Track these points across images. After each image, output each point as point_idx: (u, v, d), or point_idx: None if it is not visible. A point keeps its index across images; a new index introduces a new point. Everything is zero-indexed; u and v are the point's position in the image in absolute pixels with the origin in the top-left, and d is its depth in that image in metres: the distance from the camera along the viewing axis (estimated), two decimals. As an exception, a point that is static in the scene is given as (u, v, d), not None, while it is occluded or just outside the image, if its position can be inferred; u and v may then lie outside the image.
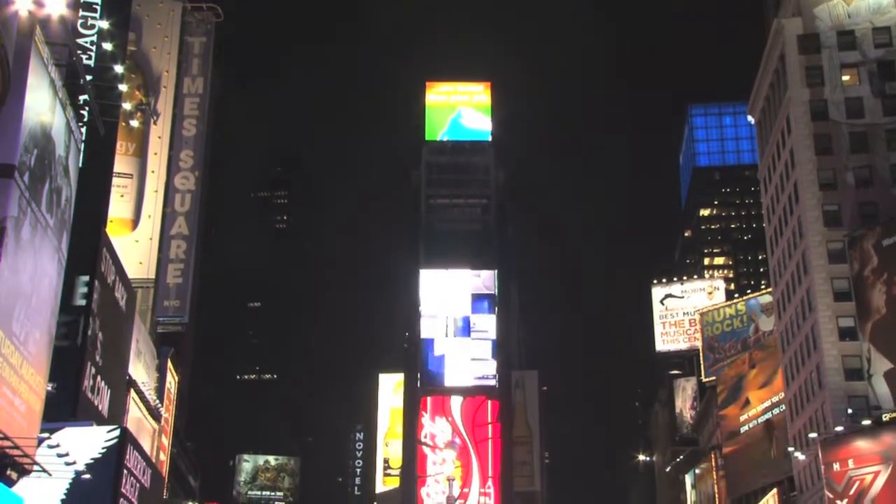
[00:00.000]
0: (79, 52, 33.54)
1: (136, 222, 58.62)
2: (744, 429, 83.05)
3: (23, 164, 25.91)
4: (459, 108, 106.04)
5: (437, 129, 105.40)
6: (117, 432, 35.49)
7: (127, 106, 48.41)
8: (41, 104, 27.52)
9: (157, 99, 61.01)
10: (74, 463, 31.65)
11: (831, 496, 55.59)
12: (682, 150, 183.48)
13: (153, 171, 60.04)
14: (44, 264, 28.80)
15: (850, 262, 60.18)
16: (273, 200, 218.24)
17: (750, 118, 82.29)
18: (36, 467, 28.41)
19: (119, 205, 56.74)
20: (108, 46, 40.52)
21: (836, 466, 55.62)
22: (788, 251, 68.91)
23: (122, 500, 35.80)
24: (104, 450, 33.88)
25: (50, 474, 29.94)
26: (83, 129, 32.49)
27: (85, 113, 32.06)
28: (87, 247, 39.27)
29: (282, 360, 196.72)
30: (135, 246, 57.52)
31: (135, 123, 56.67)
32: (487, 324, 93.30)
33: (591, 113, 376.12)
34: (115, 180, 54.40)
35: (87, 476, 32.08)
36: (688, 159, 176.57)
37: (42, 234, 28.26)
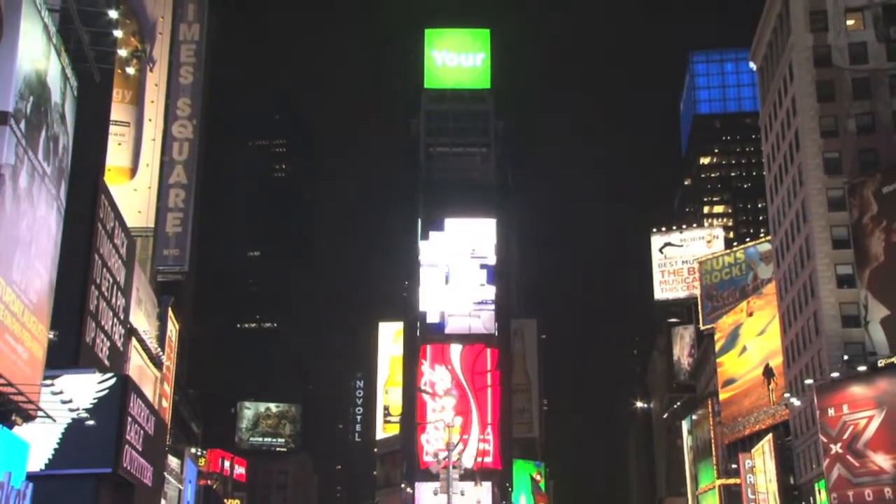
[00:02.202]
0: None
1: (134, 171, 58.39)
2: (741, 375, 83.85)
3: (18, 112, 25.69)
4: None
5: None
6: (112, 381, 35.74)
7: (122, 53, 47.82)
8: (35, 50, 27.19)
9: (153, 46, 60.29)
10: (77, 410, 31.99)
11: (825, 440, 56.35)
12: (683, 97, 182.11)
13: (150, 120, 59.61)
14: (42, 213, 28.74)
15: (849, 209, 60.15)
16: (272, 149, 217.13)
17: (752, 64, 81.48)
18: (40, 413, 28.71)
19: (117, 153, 56.48)
20: (101, -9, 39.89)
21: (831, 411, 56.29)
22: (788, 199, 68.81)
23: (126, 446, 36.28)
24: (95, 400, 34.14)
25: (55, 420, 30.30)
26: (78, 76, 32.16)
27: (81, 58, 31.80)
28: (86, 194, 39.21)
29: (282, 309, 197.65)
30: (133, 195, 57.36)
31: (131, 71, 56.08)
32: (486, 273, 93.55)
33: (591, 61, 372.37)
34: (112, 128, 54.09)
35: (91, 422, 32.44)
36: (688, 106, 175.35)
37: (40, 183, 28.16)
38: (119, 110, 56.48)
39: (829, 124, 63.76)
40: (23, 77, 25.90)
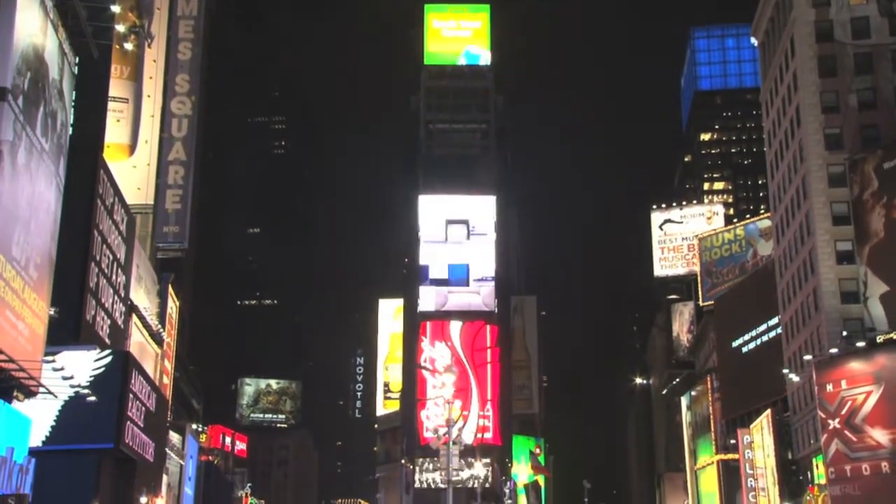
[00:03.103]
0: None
1: (132, 148, 58.23)
2: (741, 350, 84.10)
3: (16, 88, 25.54)
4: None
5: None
6: (111, 357, 35.80)
7: (120, 28, 47.60)
8: (32, 25, 26.99)
9: (151, 21, 59.92)
10: (79, 386, 32.10)
11: (823, 416, 56.58)
12: (684, 73, 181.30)
13: (149, 96, 59.37)
14: (41, 189, 28.66)
15: (849, 185, 60.01)
16: (271, 126, 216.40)
17: (753, 40, 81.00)
18: (41, 389, 28.80)
19: (115, 130, 56.30)
20: (98, -34, 39.51)
21: (830, 387, 56.47)
22: (789, 175, 68.66)
23: (128, 423, 36.45)
24: (94, 376, 34.15)
25: (56, 396, 30.42)
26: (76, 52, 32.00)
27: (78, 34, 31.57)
28: (85, 170, 39.12)
29: (282, 286, 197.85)
30: (132, 171, 57.26)
31: (129, 46, 55.77)
32: (486, 249, 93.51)
33: (592, 36, 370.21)
34: (110, 105, 53.94)
35: (93, 398, 32.56)
36: (689, 82, 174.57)
37: (38, 159, 28.06)
38: (117, 86, 56.22)
39: (830, 100, 63.45)
40: (20, 52, 25.73)
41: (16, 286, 26.36)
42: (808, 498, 61.68)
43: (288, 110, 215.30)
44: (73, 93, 31.91)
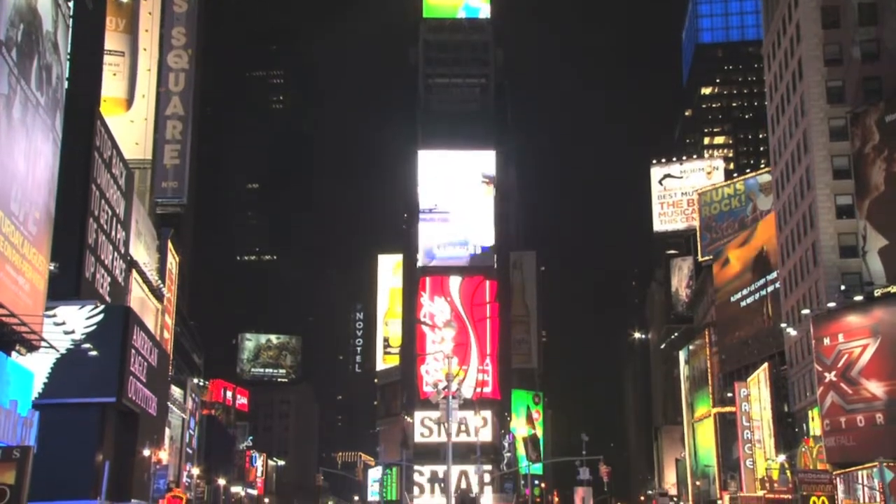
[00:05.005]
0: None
1: (130, 102, 57.72)
2: (739, 303, 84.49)
3: (9, 40, 25.27)
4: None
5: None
6: (110, 312, 35.86)
7: (114, -20, 46.94)
8: (25, -24, 26.60)
9: (146, -28, 59.03)
10: (80, 340, 32.25)
11: (820, 369, 57.00)
12: (685, 26, 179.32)
13: (145, 49, 58.69)
14: (38, 144, 28.50)
15: (851, 138, 59.66)
16: (269, 80, 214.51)
17: (756, -9, 80.00)
18: (43, 344, 28.95)
19: (112, 83, 55.76)
20: (91, -84, 38.87)
21: (827, 341, 56.79)
22: (790, 129, 68.27)
23: (130, 377, 36.70)
24: (88, 332, 34.20)
25: (58, 350, 30.61)
26: (70, 4, 31.59)
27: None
28: (82, 123, 38.84)
29: (281, 241, 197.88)
30: (130, 126, 56.81)
31: (123, -2, 55.05)
32: (486, 204, 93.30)
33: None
34: (106, 58, 53.31)
35: (94, 353, 32.73)
36: (690, 36, 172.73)
37: (34, 113, 27.85)
38: (113, 39, 55.53)
39: (833, 52, 62.77)
40: (12, 3, 25.40)
41: (15, 241, 26.35)
42: (803, 449, 62.40)
43: (286, 64, 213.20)
44: (69, 45, 31.57)
